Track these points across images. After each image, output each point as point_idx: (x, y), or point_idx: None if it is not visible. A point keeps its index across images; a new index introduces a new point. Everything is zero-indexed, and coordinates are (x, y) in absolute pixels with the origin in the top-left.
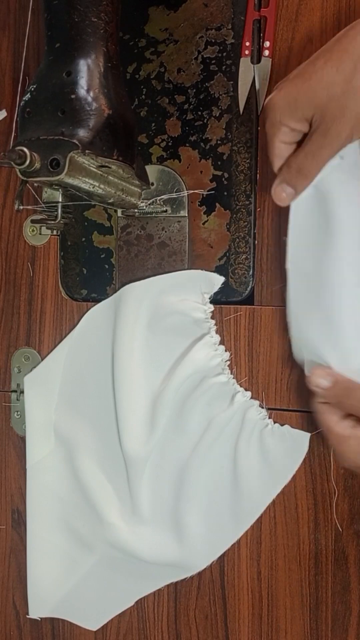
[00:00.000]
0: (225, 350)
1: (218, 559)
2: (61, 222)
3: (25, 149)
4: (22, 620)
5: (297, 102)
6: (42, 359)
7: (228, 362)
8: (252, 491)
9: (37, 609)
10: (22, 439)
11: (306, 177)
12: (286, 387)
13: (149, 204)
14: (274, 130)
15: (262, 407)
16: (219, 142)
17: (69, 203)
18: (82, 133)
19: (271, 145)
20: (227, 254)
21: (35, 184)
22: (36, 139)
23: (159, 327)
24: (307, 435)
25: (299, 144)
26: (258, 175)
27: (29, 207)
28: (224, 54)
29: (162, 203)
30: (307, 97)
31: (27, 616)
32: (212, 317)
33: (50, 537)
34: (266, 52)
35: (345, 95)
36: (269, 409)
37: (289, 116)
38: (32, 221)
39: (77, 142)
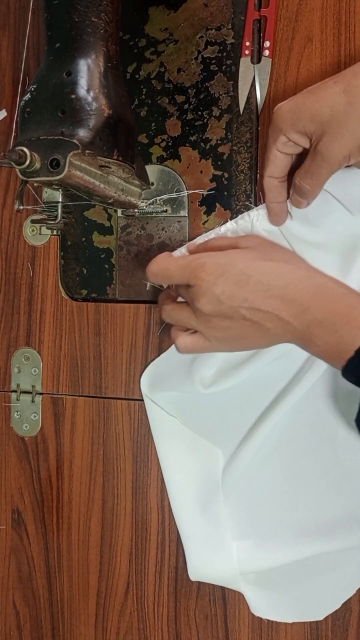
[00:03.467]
0: None
1: None
2: (61, 222)
3: (25, 149)
4: (22, 620)
5: (300, 115)
6: (42, 359)
7: None
8: None
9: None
10: (22, 439)
11: (306, 195)
12: None
13: (149, 204)
14: (274, 137)
15: None
16: (219, 142)
17: (69, 203)
18: (82, 133)
19: (268, 151)
20: None
21: (35, 184)
22: (36, 139)
23: None
24: None
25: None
26: (258, 175)
27: (29, 207)
28: (224, 53)
29: (162, 203)
30: (310, 112)
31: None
32: None
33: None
34: (266, 52)
35: (347, 117)
36: None
37: (289, 127)
38: (32, 221)
39: (77, 142)
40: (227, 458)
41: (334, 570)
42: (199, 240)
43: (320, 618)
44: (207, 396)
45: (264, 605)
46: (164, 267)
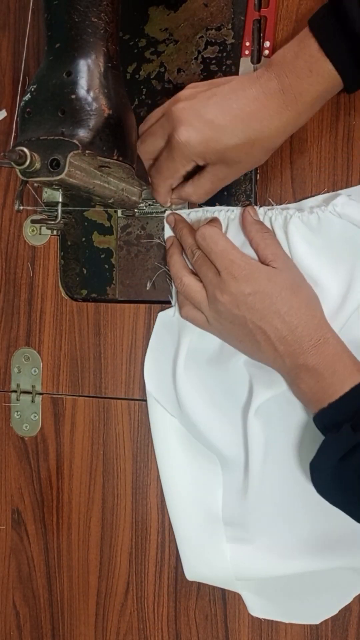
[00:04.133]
0: None
1: None
2: (61, 222)
3: (25, 149)
4: (22, 620)
5: (210, 151)
6: (42, 359)
7: None
8: None
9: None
10: (22, 439)
11: (189, 200)
12: None
13: (149, 204)
14: (183, 164)
15: None
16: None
17: (70, 208)
18: (82, 133)
19: (176, 173)
20: None
21: (35, 184)
22: (36, 139)
23: None
24: None
25: None
26: (258, 175)
27: (29, 207)
28: (224, 54)
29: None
30: (219, 150)
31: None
32: None
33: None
34: (266, 52)
35: (247, 154)
36: None
37: (200, 158)
38: (32, 221)
39: (77, 142)
40: (225, 460)
41: (333, 577)
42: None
43: (317, 622)
44: (204, 396)
45: (261, 606)
46: (215, 240)
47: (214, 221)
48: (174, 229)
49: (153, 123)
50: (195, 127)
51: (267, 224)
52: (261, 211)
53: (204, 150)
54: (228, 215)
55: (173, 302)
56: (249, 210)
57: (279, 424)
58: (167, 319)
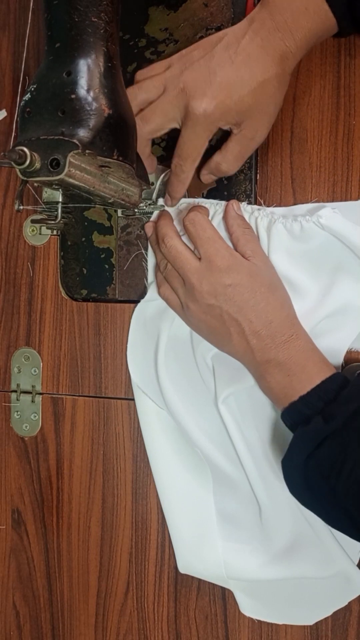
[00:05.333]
0: None
1: None
2: (61, 222)
3: (25, 149)
4: (22, 620)
5: (228, 109)
6: (42, 359)
7: None
8: None
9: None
10: (22, 439)
11: (222, 175)
12: None
13: (149, 204)
14: (207, 135)
15: None
16: (219, 142)
17: (69, 205)
18: (82, 133)
19: (201, 148)
20: None
21: (35, 184)
22: (36, 139)
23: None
24: None
25: None
26: (258, 175)
27: (29, 207)
28: None
29: (162, 203)
30: (235, 103)
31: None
32: None
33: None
34: None
35: (263, 96)
36: None
37: (223, 121)
38: (32, 221)
39: (77, 142)
40: (206, 454)
41: (325, 582)
42: (200, 202)
43: (311, 623)
44: (179, 388)
45: (253, 607)
46: (204, 227)
47: (201, 208)
48: (158, 219)
49: (154, 99)
50: (207, 94)
51: (253, 223)
52: (249, 209)
53: (223, 112)
54: (216, 208)
55: (148, 283)
56: (233, 203)
57: (253, 422)
58: (143, 307)
